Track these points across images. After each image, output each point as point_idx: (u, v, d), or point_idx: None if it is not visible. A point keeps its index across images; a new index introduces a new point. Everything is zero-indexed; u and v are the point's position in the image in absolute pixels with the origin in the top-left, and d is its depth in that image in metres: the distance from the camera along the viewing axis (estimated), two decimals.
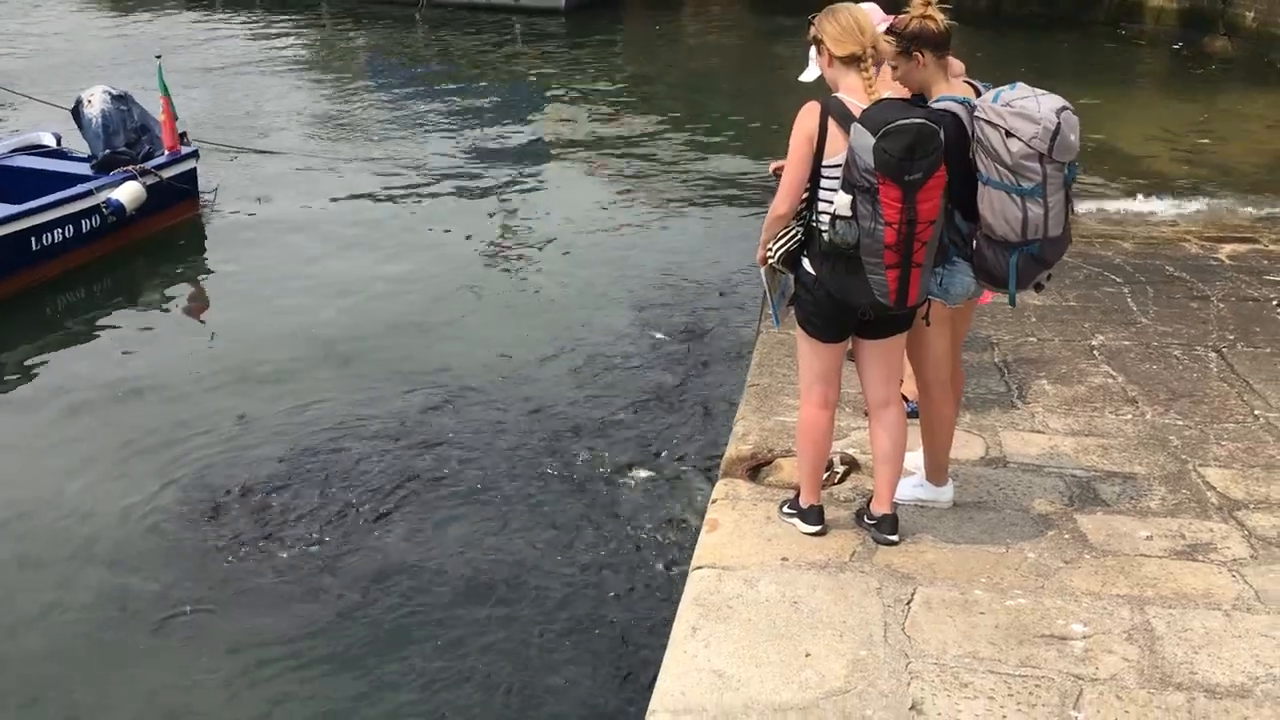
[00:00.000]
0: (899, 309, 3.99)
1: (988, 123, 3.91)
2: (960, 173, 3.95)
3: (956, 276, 4.13)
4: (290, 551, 5.82)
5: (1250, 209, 9.85)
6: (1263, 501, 4.69)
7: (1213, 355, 6.27)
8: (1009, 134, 3.86)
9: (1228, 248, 8.39)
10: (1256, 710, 3.39)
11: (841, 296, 4.01)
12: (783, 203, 4.06)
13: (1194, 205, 10.08)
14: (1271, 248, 8.42)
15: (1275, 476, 4.90)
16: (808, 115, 4.00)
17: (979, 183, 3.96)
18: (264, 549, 5.84)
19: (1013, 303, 4.23)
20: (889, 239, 3.84)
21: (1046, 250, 4.00)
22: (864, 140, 3.79)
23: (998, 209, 3.93)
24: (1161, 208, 9.93)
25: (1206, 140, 13.23)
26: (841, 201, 3.88)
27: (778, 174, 4.65)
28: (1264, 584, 4.06)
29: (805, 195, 4.05)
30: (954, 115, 3.99)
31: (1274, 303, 7.13)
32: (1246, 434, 5.32)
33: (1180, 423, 5.44)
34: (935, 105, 4.04)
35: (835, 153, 3.95)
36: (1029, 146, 3.84)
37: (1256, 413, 5.55)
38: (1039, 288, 4.21)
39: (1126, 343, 6.45)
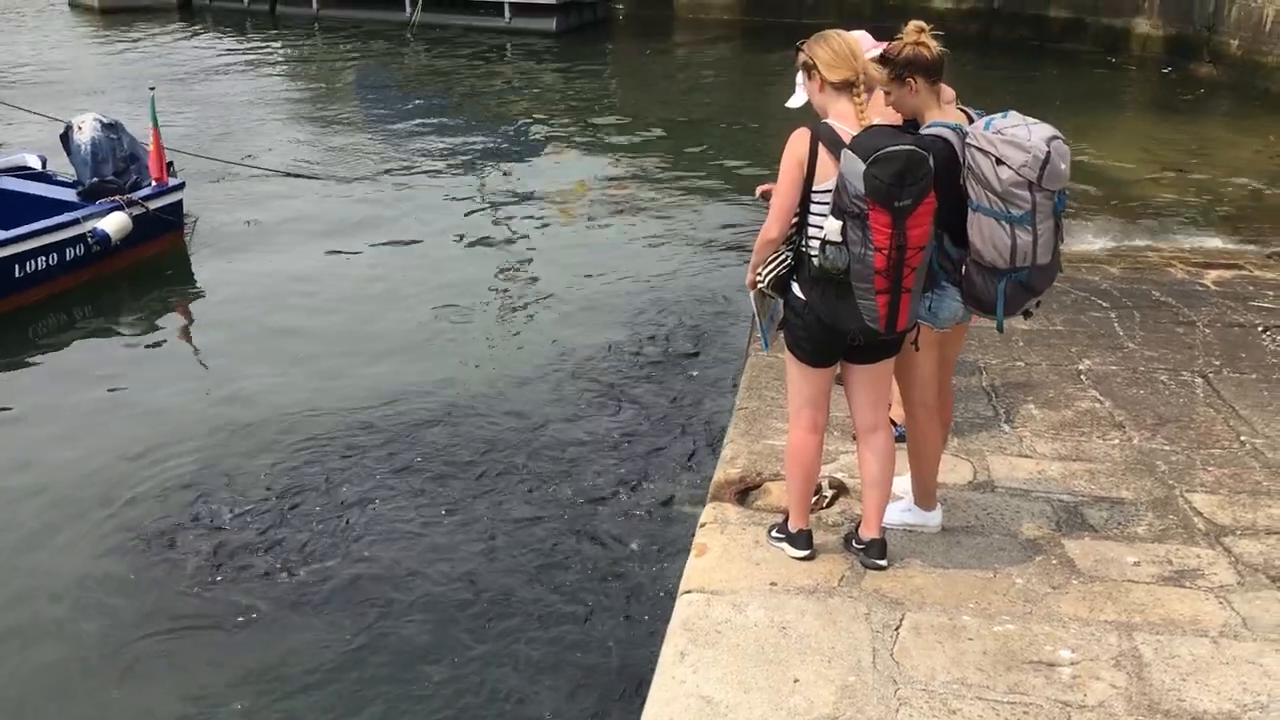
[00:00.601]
0: (888, 334, 4.00)
1: (979, 149, 3.94)
2: (951, 199, 3.97)
3: (945, 301, 4.15)
4: (269, 573, 5.77)
5: (1236, 234, 9.92)
6: (1249, 528, 4.70)
7: (1199, 380, 6.30)
8: (999, 161, 3.89)
9: (1213, 273, 8.44)
10: None
11: (831, 321, 4.02)
12: (773, 227, 4.08)
13: (1180, 230, 10.15)
14: (1257, 274, 8.48)
15: (1261, 503, 4.92)
16: (798, 141, 4.02)
17: (969, 209, 3.99)
18: (244, 570, 5.80)
19: (1000, 329, 4.25)
20: (879, 264, 3.86)
21: (1035, 278, 4.03)
22: (854, 166, 3.80)
23: (987, 235, 3.96)
24: (1147, 233, 9.99)
25: (1195, 163, 13.32)
26: (831, 227, 3.90)
27: (765, 196, 4.67)
28: (1251, 611, 4.07)
29: (795, 220, 4.07)
30: (946, 141, 4.02)
31: (1259, 328, 7.17)
32: (1233, 460, 5.34)
33: (1167, 448, 5.45)
34: (928, 131, 4.06)
35: (825, 178, 3.97)
36: (1019, 174, 3.87)
37: (1243, 438, 5.57)
38: (1027, 315, 4.24)
39: (1114, 367, 6.47)
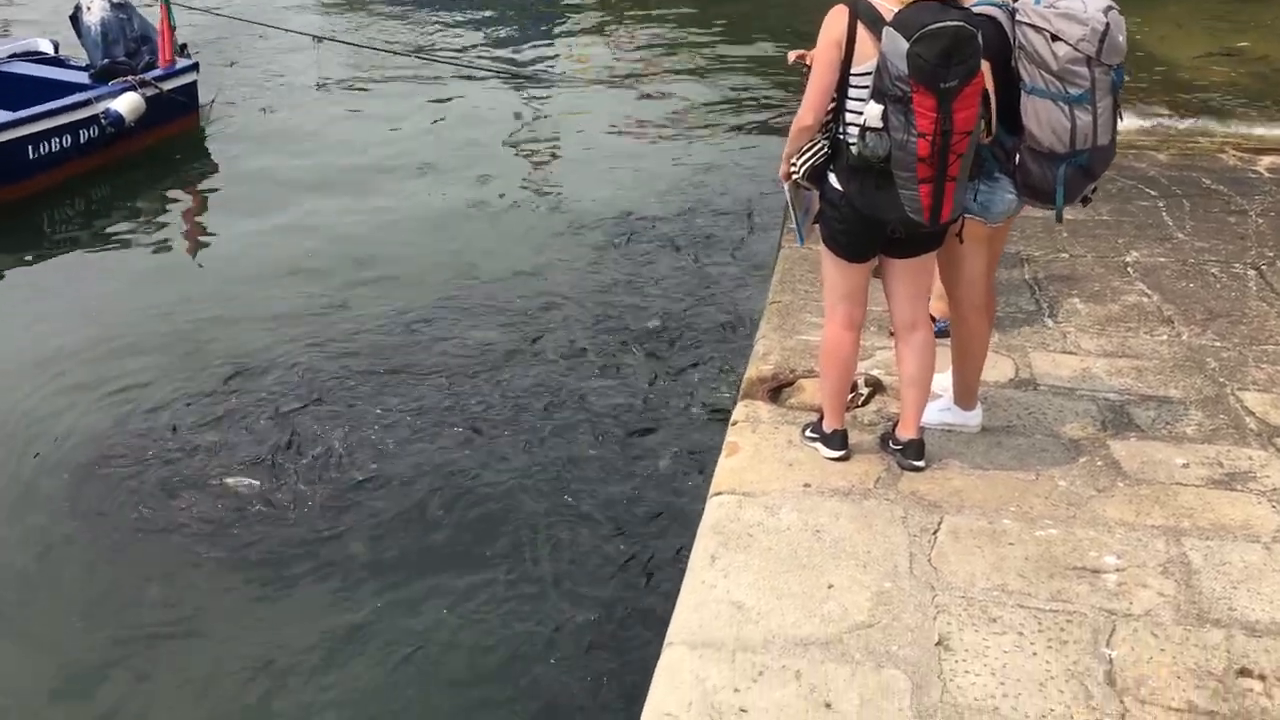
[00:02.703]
0: (931, 226, 3.78)
1: (1031, 27, 3.68)
2: (1002, 82, 3.72)
3: (998, 193, 3.93)
4: (280, 472, 5.63)
5: None
6: None
7: (1251, 273, 6.05)
8: (1054, 37, 3.64)
9: (1267, 159, 8.11)
10: None
11: (870, 213, 3.80)
12: (808, 114, 3.83)
13: (1233, 115, 9.71)
14: None
15: None
16: (835, 19, 3.75)
17: (1022, 92, 3.74)
18: (251, 466, 5.64)
19: (1060, 219, 4.03)
20: (922, 151, 3.62)
21: (1094, 161, 3.80)
22: (897, 45, 3.55)
23: (1044, 119, 3.72)
24: (1198, 117, 9.58)
25: (1250, 44, 12.74)
26: (872, 112, 3.66)
27: (800, 64, 4.43)
28: None
29: (831, 105, 3.83)
30: (994, 20, 3.76)
31: None
32: None
33: (1218, 344, 5.24)
34: (974, 9, 3.79)
35: (864, 59, 3.72)
36: (1076, 50, 3.63)
37: None
38: (1085, 201, 4.02)
39: (1162, 259, 6.22)
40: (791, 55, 4.65)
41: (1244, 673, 3.17)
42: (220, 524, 5.28)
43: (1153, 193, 7.29)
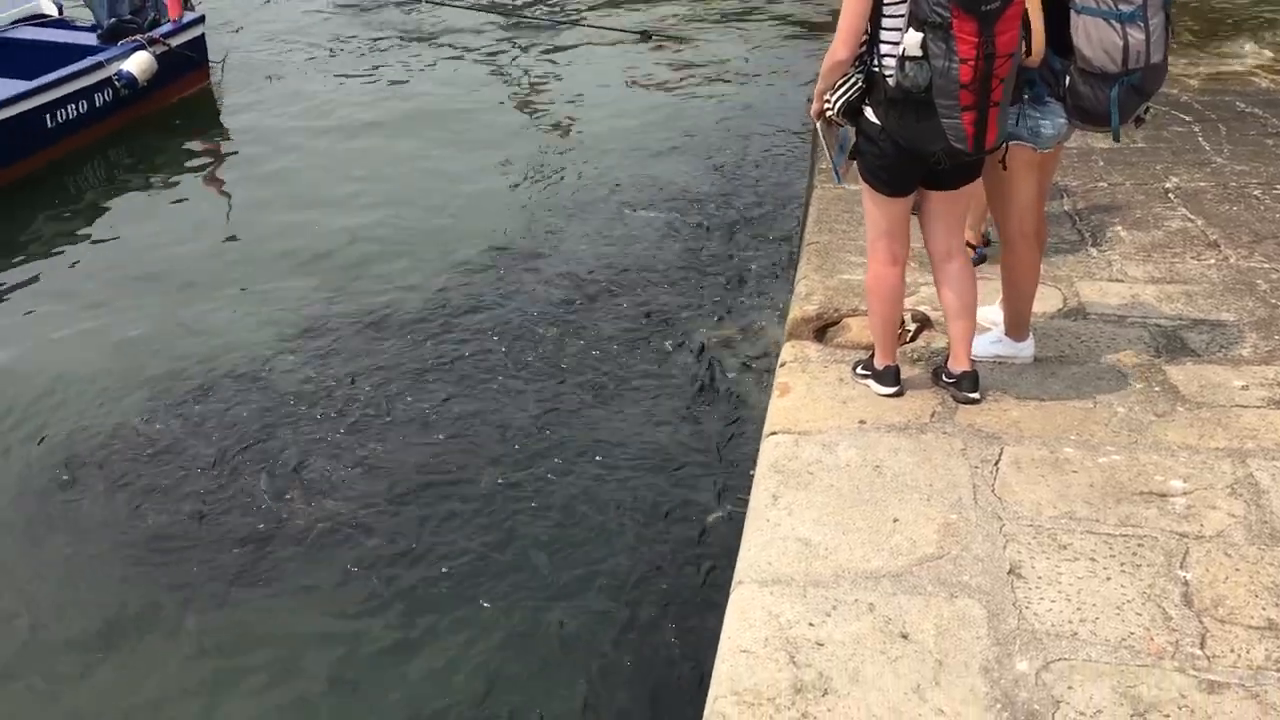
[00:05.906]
0: (976, 153, 3.71)
1: None
2: (1050, 2, 3.64)
3: (1048, 118, 3.84)
4: (314, 438, 5.54)
5: None
6: None
7: None
8: None
9: None
10: None
11: (912, 145, 3.73)
12: (842, 47, 3.74)
13: (1261, 38, 9.55)
14: None
15: None
16: None
17: (1072, 11, 3.65)
18: (268, 449, 5.45)
19: (1117, 139, 3.94)
20: (965, 77, 3.54)
21: (1148, 79, 3.72)
22: None
23: (1095, 38, 3.63)
24: (1227, 40, 9.42)
25: None
26: (911, 40, 3.57)
27: None
28: None
29: (865, 37, 3.74)
30: None
31: None
32: None
33: (1266, 266, 5.16)
34: None
35: None
36: None
37: None
38: (1139, 121, 3.93)
39: (1202, 184, 6.13)
40: None
41: None
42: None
43: (1187, 118, 7.18)
